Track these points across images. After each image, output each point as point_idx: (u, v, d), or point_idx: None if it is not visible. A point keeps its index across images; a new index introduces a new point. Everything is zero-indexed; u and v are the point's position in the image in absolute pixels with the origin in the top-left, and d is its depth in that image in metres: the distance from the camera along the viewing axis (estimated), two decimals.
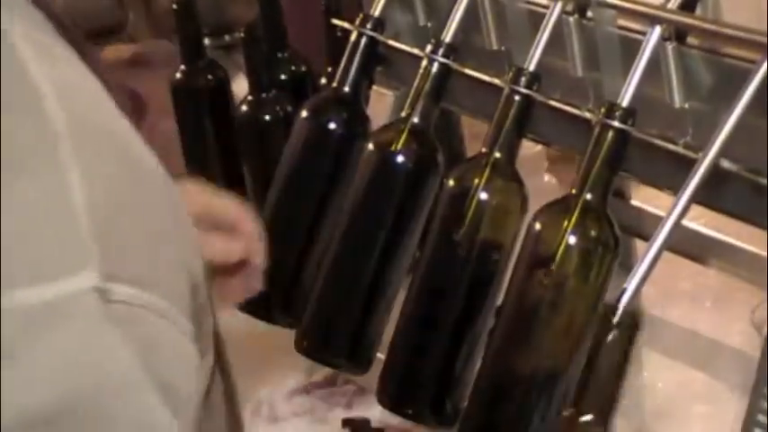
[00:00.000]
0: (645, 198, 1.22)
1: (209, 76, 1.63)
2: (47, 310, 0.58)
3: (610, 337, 0.95)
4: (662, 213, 1.39)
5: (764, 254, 1.26)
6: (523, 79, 1.08)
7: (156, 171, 0.66)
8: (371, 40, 1.24)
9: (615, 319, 0.93)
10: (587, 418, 0.95)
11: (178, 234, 0.66)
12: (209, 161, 1.63)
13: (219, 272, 1.03)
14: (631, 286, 0.92)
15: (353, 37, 1.25)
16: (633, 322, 0.96)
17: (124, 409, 0.60)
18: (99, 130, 0.63)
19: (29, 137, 0.60)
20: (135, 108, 0.75)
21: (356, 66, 1.24)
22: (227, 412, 0.80)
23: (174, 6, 1.60)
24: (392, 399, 1.15)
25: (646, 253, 0.94)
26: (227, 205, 1.07)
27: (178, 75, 1.63)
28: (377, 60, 1.29)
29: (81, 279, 0.59)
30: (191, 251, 0.67)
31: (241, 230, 1.05)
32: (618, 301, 0.92)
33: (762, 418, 0.93)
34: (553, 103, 1.11)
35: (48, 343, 0.58)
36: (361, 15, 1.24)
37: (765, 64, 0.92)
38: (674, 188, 1.05)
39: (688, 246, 1.19)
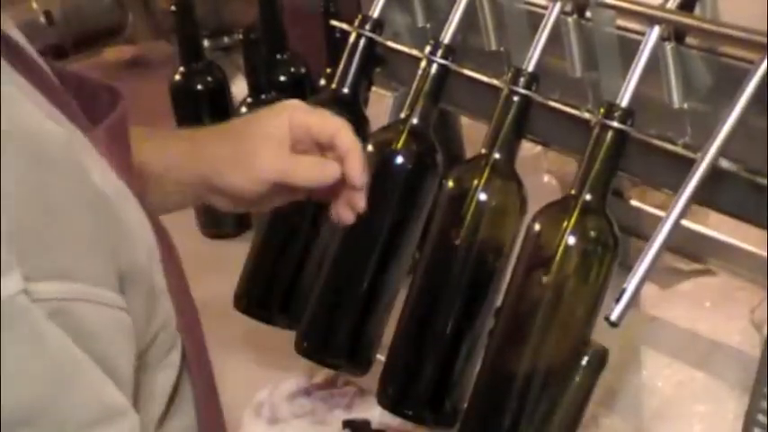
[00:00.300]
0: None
1: (208, 78, 1.63)
2: None
3: (577, 378, 0.97)
4: (661, 213, 1.39)
5: (764, 253, 1.26)
6: (522, 80, 1.08)
7: (75, 168, 0.66)
8: (370, 41, 1.24)
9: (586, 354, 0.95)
10: None
11: (100, 224, 0.67)
12: None
13: (323, 193, 1.06)
14: (631, 286, 0.92)
15: (352, 38, 1.25)
16: (600, 361, 0.97)
17: (81, 396, 0.63)
18: (5, 132, 0.63)
19: None
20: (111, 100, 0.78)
21: (355, 67, 1.24)
22: (201, 412, 0.81)
23: (173, 8, 1.60)
24: (392, 400, 1.15)
25: (645, 253, 0.94)
26: (325, 122, 1.06)
27: (177, 76, 1.63)
28: (376, 61, 1.29)
29: (7, 284, 0.60)
30: (120, 242, 0.68)
31: (338, 147, 1.05)
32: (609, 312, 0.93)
33: (762, 417, 0.93)
34: (552, 103, 1.11)
35: None
36: (359, 16, 1.24)
37: (764, 64, 0.92)
38: (673, 188, 1.05)
39: (688, 246, 1.19)
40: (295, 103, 1.10)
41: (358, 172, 1.04)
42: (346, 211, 1.07)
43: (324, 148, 1.06)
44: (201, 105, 1.64)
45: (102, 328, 0.66)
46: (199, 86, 1.63)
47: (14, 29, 0.73)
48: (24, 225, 0.62)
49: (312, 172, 1.05)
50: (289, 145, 1.05)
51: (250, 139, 1.06)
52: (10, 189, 0.61)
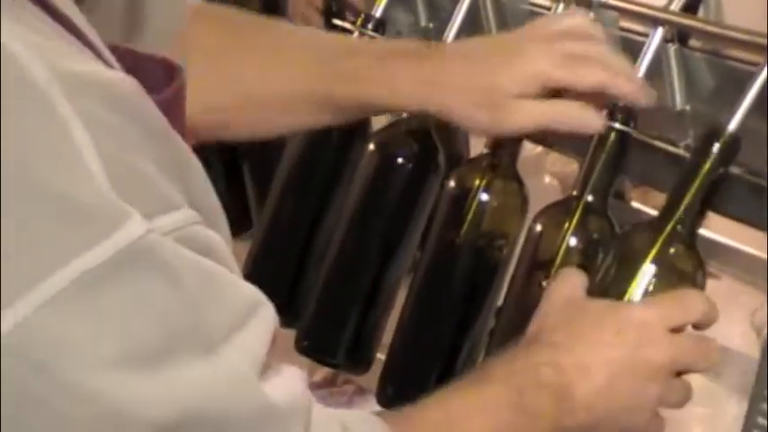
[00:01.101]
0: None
1: None
2: (120, 260, 0.60)
3: None
4: None
5: (765, 256, 1.26)
6: None
7: (138, 99, 0.66)
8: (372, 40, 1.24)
9: None
10: None
11: (168, 149, 0.67)
12: (211, 165, 1.62)
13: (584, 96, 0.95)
14: None
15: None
16: None
17: (227, 302, 0.66)
18: (83, 78, 0.63)
19: (23, 103, 0.60)
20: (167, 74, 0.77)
21: None
22: None
23: None
24: (392, 399, 1.15)
25: None
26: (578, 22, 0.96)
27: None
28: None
29: (131, 227, 0.61)
30: (184, 164, 0.69)
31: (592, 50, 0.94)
32: None
33: (762, 420, 0.93)
34: None
35: (135, 289, 0.61)
36: (362, 15, 1.24)
37: (767, 67, 0.92)
38: None
39: None
40: (545, 55, 0.94)
41: (640, 95, 0.93)
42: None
43: None
44: None
45: (216, 244, 0.67)
46: None
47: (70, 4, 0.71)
48: (123, 168, 0.62)
49: (579, 122, 0.94)
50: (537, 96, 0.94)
51: (499, 92, 0.94)
52: (102, 140, 0.61)
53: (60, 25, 0.67)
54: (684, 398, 0.85)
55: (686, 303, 0.86)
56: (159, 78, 0.75)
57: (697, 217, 0.94)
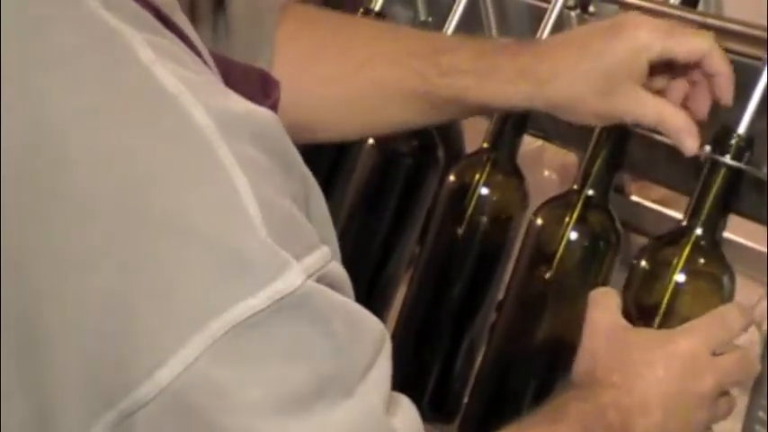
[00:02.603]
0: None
1: None
2: (278, 308, 0.61)
3: None
4: (662, 209, 1.39)
5: (765, 250, 1.26)
6: None
7: (279, 133, 0.66)
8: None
9: None
10: None
11: (300, 182, 0.69)
12: None
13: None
14: None
15: None
16: None
17: (366, 335, 0.67)
18: (235, 117, 0.63)
19: (185, 149, 0.61)
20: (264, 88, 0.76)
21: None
22: None
23: None
24: None
25: None
26: (691, 46, 0.92)
27: None
28: None
29: (290, 277, 0.62)
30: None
31: (706, 68, 0.92)
32: None
33: (762, 414, 0.93)
34: None
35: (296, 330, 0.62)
36: (361, 10, 1.24)
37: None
38: (675, 184, 1.05)
39: None
40: (643, 24, 0.93)
41: (729, 96, 0.92)
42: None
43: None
44: None
45: (344, 278, 0.68)
46: None
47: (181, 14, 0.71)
48: (276, 211, 0.63)
49: (679, 123, 0.92)
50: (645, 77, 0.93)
51: (609, 75, 0.92)
52: (257, 173, 0.62)
53: (182, 41, 0.67)
54: (729, 411, 0.87)
55: (725, 323, 0.87)
56: (256, 90, 0.75)
57: (720, 221, 0.94)
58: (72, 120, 0.61)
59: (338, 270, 0.67)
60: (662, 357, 0.84)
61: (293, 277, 0.61)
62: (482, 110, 1.02)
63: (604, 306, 0.88)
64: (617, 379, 0.85)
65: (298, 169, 0.68)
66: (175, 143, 0.61)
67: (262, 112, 0.65)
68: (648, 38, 0.92)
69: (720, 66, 0.91)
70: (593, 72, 0.92)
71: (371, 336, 0.68)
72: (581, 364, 0.87)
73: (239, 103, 0.65)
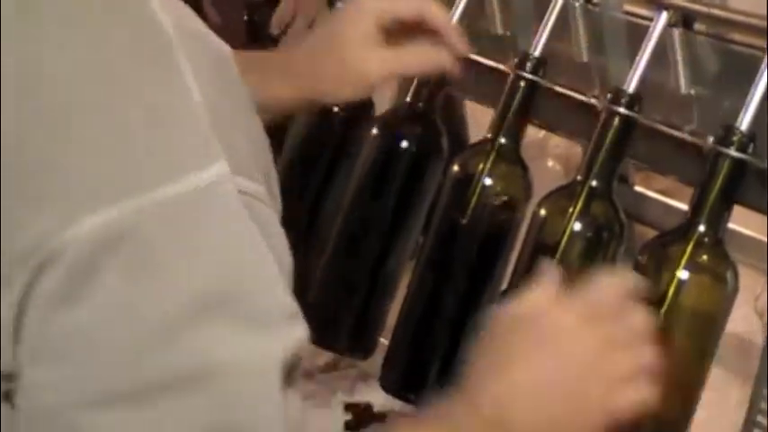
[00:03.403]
0: None
1: None
2: (193, 199, 0.64)
3: None
4: (665, 200, 1.39)
5: (767, 240, 1.26)
6: (529, 65, 1.08)
7: (234, 70, 0.71)
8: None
9: None
10: None
11: (254, 128, 0.72)
12: None
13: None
14: None
15: None
16: None
17: (267, 289, 0.67)
18: (195, 35, 0.69)
19: (148, 45, 0.66)
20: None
21: None
22: None
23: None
24: (395, 384, 1.15)
25: None
26: (409, 2, 1.08)
27: None
28: None
29: (217, 169, 0.64)
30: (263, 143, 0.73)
31: (429, 21, 1.07)
32: None
33: (764, 405, 0.93)
34: (558, 88, 1.11)
35: (201, 231, 0.64)
36: None
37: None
38: (680, 174, 1.05)
39: None
40: None
41: (457, 39, 1.07)
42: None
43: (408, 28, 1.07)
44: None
45: (275, 231, 0.69)
46: None
47: None
48: (219, 123, 0.66)
49: (423, 62, 1.08)
50: (383, 40, 1.06)
51: (347, 49, 1.06)
52: (206, 89, 0.66)
53: None
54: (634, 359, 0.79)
55: (598, 294, 0.80)
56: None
57: (723, 214, 0.95)
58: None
59: (270, 217, 0.69)
60: (535, 335, 0.79)
61: (222, 170, 0.64)
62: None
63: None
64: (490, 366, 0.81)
65: (256, 121, 0.72)
66: (147, 41, 0.66)
67: (224, 45, 0.71)
68: (371, 4, 1.07)
69: (436, 17, 1.06)
70: (326, 36, 1.08)
71: (279, 294, 0.68)
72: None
73: (206, 31, 0.71)
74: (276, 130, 1.34)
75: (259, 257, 0.66)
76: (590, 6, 1.08)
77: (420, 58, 1.07)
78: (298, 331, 0.70)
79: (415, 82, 1.18)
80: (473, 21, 1.18)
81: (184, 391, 0.63)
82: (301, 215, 1.28)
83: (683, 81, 1.01)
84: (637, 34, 1.03)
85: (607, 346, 0.78)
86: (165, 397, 0.63)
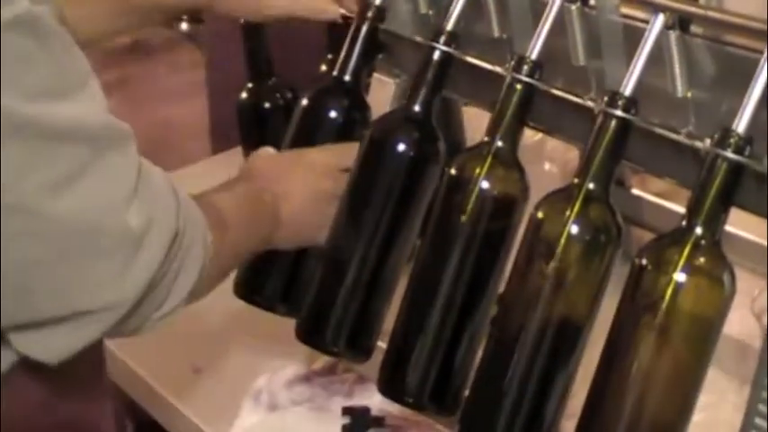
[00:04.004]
0: None
1: (277, 95, 1.59)
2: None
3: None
4: (662, 202, 1.40)
5: (764, 242, 1.26)
6: (525, 67, 1.08)
7: None
8: (373, 27, 1.24)
9: None
10: None
11: None
12: None
13: None
14: None
15: (354, 24, 1.24)
16: None
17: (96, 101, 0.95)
18: None
19: None
20: None
21: (357, 54, 1.24)
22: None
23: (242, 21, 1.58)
24: (393, 387, 1.15)
25: None
26: None
27: (244, 93, 1.59)
28: (378, 48, 1.28)
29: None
30: None
31: None
32: None
33: (762, 407, 0.93)
34: (555, 91, 1.11)
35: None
36: (362, 3, 1.24)
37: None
38: (677, 177, 1.05)
39: None
40: None
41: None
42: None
43: None
44: (269, 124, 1.58)
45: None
46: (267, 105, 1.59)
47: None
48: None
49: (316, 6, 1.28)
50: None
51: None
52: None
53: None
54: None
55: (349, 153, 1.20)
56: None
57: (720, 217, 0.95)
58: None
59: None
60: (303, 164, 1.20)
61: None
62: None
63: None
64: (271, 174, 1.19)
65: None
66: None
67: None
68: None
69: None
70: None
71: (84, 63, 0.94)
72: (247, 166, 1.21)
73: None
74: (272, 134, 1.34)
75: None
76: (587, 9, 1.08)
77: (316, 7, 1.28)
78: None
79: (412, 85, 1.18)
80: (470, 23, 1.19)
81: None
82: None
83: (679, 84, 1.01)
84: (633, 37, 1.03)
85: (337, 188, 1.21)
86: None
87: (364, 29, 1.24)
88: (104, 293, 0.94)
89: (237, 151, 1.65)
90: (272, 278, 1.27)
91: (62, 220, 0.90)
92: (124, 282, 0.94)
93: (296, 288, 1.25)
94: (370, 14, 1.23)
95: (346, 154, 1.20)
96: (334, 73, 1.25)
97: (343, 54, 1.24)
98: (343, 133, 1.24)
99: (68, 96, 0.91)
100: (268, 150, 1.23)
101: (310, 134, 1.26)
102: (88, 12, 1.28)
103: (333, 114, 1.24)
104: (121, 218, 0.93)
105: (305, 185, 1.19)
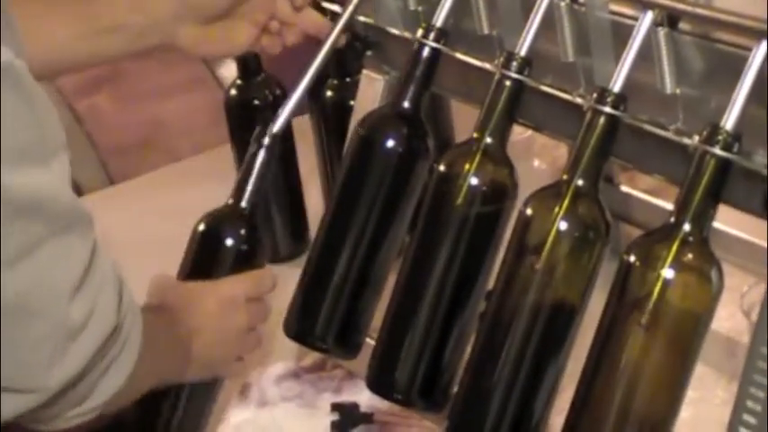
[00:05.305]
0: None
1: (266, 92, 1.59)
2: None
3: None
4: (651, 199, 1.40)
5: (754, 239, 1.26)
6: (514, 64, 1.08)
7: None
8: (363, 24, 1.24)
9: None
10: None
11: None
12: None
13: None
14: None
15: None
16: None
17: (53, 134, 0.90)
18: None
19: None
20: None
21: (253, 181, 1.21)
22: None
23: None
24: (381, 383, 1.15)
25: None
26: None
27: (233, 90, 1.59)
28: (367, 45, 1.28)
29: (6, 53, 0.84)
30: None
31: None
32: None
33: (751, 403, 0.93)
34: (544, 88, 1.11)
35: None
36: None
37: (762, 50, 0.92)
38: (665, 173, 1.06)
39: None
40: None
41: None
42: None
43: None
44: (258, 120, 1.58)
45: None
46: (256, 101, 1.58)
47: None
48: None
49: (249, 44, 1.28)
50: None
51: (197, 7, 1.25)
52: None
53: None
54: (257, 344, 1.21)
55: (261, 282, 1.18)
56: None
57: (708, 214, 0.95)
58: None
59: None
60: (213, 297, 1.16)
61: (6, 55, 0.83)
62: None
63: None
64: (183, 308, 1.14)
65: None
66: None
67: None
68: None
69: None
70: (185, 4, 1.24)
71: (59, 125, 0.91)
72: (153, 300, 1.16)
73: None
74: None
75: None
76: (576, 6, 1.08)
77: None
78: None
79: (401, 82, 1.18)
80: (459, 20, 1.19)
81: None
82: None
83: (668, 80, 1.01)
84: (622, 34, 1.03)
85: (251, 321, 1.18)
86: None
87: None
88: (28, 376, 0.90)
89: (226, 148, 1.64)
90: None
91: (5, 293, 0.85)
92: (51, 369, 0.90)
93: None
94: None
95: (257, 283, 1.18)
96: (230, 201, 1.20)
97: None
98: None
99: (43, 163, 0.87)
100: (171, 279, 1.18)
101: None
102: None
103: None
104: (64, 308, 0.90)
105: (218, 321, 1.15)
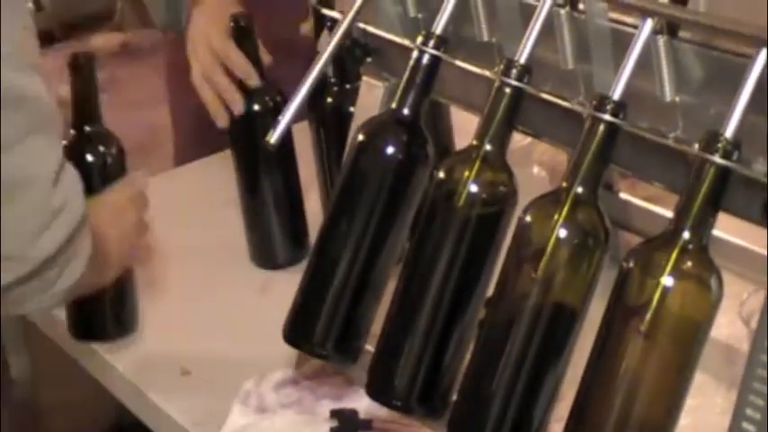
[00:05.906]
0: None
1: (266, 98, 1.59)
2: None
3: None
4: (650, 207, 1.40)
5: (754, 247, 1.26)
6: (514, 71, 1.08)
7: None
8: (362, 31, 1.24)
9: None
10: None
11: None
12: (263, 189, 1.60)
13: None
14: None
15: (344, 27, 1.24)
16: None
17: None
18: None
19: None
20: None
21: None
22: None
23: (232, 25, 1.58)
24: (381, 390, 1.15)
25: None
26: None
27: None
28: (367, 51, 1.28)
29: None
30: None
31: None
32: None
33: (750, 411, 0.94)
34: (544, 95, 1.11)
35: None
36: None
37: (761, 58, 0.92)
38: (665, 181, 1.06)
39: None
40: None
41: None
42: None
43: None
44: (258, 126, 1.57)
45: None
46: (256, 107, 1.58)
47: None
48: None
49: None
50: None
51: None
52: None
53: None
54: (145, 230, 1.40)
55: (132, 182, 1.39)
56: None
57: (708, 221, 0.95)
58: None
59: None
60: (105, 209, 1.31)
61: None
62: None
63: None
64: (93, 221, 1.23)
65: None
66: None
67: None
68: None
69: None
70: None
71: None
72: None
73: None
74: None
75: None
76: (575, 14, 1.08)
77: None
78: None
79: (401, 89, 1.18)
80: (459, 27, 1.19)
81: None
82: None
83: (667, 88, 1.02)
84: (622, 41, 1.03)
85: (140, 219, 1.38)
86: None
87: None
88: (18, 243, 1.08)
89: (227, 155, 1.65)
90: None
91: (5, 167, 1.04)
92: (37, 240, 1.09)
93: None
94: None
95: (130, 183, 1.39)
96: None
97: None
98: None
99: (30, 70, 1.07)
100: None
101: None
102: None
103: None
104: (49, 190, 1.09)
105: (115, 223, 1.32)
